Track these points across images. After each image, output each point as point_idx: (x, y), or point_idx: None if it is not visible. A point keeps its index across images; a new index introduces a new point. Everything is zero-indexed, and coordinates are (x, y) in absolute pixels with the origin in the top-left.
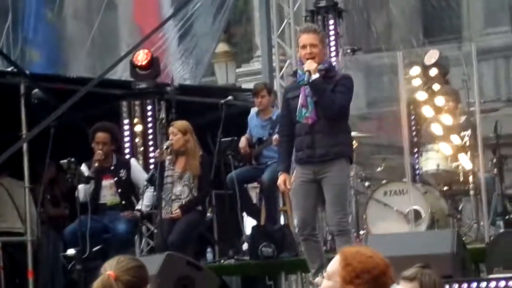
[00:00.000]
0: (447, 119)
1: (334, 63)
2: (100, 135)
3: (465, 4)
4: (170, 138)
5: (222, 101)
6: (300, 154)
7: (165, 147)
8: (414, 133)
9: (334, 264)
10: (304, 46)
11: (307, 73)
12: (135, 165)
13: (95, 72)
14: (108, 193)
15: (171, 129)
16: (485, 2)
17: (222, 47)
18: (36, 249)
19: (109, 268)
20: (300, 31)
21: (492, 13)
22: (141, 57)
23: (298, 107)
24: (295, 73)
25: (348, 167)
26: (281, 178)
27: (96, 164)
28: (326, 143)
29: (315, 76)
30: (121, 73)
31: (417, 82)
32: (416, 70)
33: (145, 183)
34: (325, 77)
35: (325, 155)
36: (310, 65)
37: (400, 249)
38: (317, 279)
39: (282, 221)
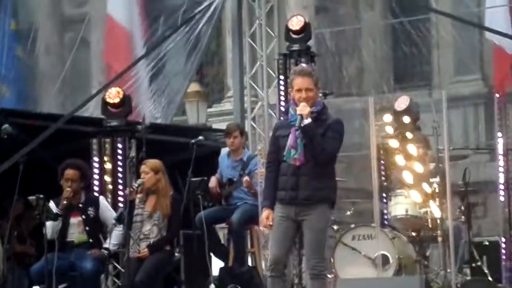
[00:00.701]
0: (418, 167)
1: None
2: (70, 172)
3: (435, 52)
4: (141, 176)
5: (193, 140)
6: (282, 194)
7: (136, 185)
8: (383, 178)
9: None
10: (299, 90)
11: (299, 116)
12: (104, 203)
13: (66, 109)
14: (76, 231)
15: (143, 167)
16: (455, 50)
17: (193, 86)
18: (1, 286)
19: None
20: (295, 73)
21: (462, 61)
22: (113, 95)
23: (287, 147)
24: (286, 111)
25: (329, 212)
26: (264, 213)
27: (65, 201)
28: (311, 186)
29: (307, 121)
30: (93, 110)
31: (389, 129)
32: (388, 117)
33: (114, 221)
34: (317, 119)
35: (308, 199)
36: (303, 109)
37: None
38: None
39: (250, 263)
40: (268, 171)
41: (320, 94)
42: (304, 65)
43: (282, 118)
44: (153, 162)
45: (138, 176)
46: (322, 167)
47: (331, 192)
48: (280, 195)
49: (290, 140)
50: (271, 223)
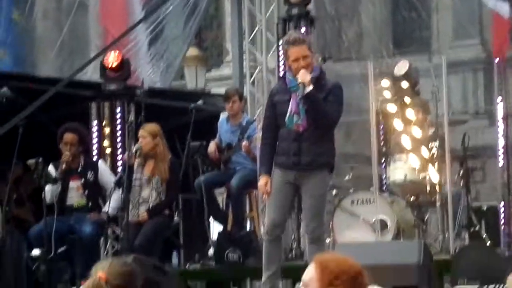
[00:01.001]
0: (417, 132)
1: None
2: (68, 136)
3: (434, 16)
4: (139, 141)
5: (192, 105)
6: (283, 159)
7: (134, 150)
8: (382, 143)
9: (310, 272)
10: (296, 59)
11: (301, 85)
12: (103, 167)
13: (64, 73)
14: (75, 195)
15: (141, 132)
16: (454, 14)
17: (192, 51)
18: (0, 249)
19: (101, 270)
20: (288, 43)
21: (461, 25)
22: (112, 58)
23: (288, 113)
24: (283, 77)
25: (329, 177)
26: (262, 180)
27: (64, 165)
28: (313, 151)
29: (309, 88)
30: (91, 74)
31: (387, 94)
32: (385, 82)
33: (113, 185)
34: (316, 84)
35: (310, 164)
36: (304, 76)
37: (368, 258)
38: None
39: (248, 227)
40: (264, 137)
41: (319, 59)
42: (293, 32)
43: (279, 82)
44: (151, 126)
45: (137, 141)
46: (322, 132)
47: (331, 157)
48: (280, 160)
49: (291, 106)
50: (269, 190)
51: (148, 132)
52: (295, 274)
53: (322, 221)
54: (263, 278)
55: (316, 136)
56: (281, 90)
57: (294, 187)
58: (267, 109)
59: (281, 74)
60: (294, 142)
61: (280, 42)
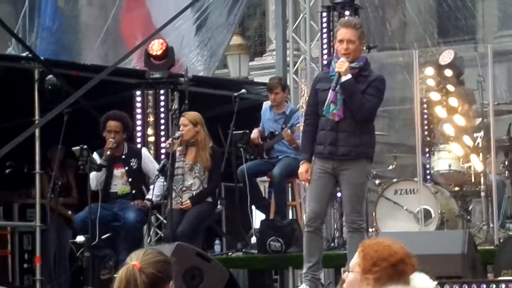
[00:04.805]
0: (460, 120)
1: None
2: (112, 124)
3: (480, 5)
4: (180, 129)
5: (236, 93)
6: (321, 149)
7: (175, 137)
8: (426, 132)
9: (355, 257)
10: (341, 41)
11: (336, 74)
12: (146, 154)
13: (108, 60)
14: (119, 182)
15: (182, 119)
16: (500, 3)
17: (235, 39)
18: (44, 235)
19: (135, 259)
20: (340, 24)
21: (507, 15)
22: (156, 47)
23: (326, 101)
24: (328, 64)
25: (368, 166)
26: (303, 167)
27: (108, 152)
28: (350, 142)
29: (346, 77)
30: (136, 62)
31: (431, 82)
32: (430, 71)
33: (156, 173)
34: (358, 75)
35: (347, 154)
36: (341, 66)
37: (411, 248)
38: (344, 275)
39: (290, 216)
40: (306, 123)
41: (364, 48)
42: (351, 17)
43: (324, 70)
44: (192, 114)
45: (179, 129)
46: (360, 123)
47: (369, 148)
48: (318, 149)
49: (330, 95)
50: (309, 177)
51: (189, 120)
52: (337, 262)
53: (361, 210)
54: (304, 269)
55: (354, 127)
56: (324, 78)
57: (333, 177)
58: (310, 96)
59: (325, 62)
60: (332, 131)
61: (324, 30)
